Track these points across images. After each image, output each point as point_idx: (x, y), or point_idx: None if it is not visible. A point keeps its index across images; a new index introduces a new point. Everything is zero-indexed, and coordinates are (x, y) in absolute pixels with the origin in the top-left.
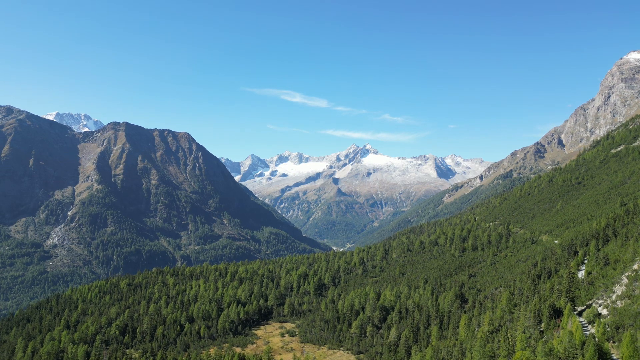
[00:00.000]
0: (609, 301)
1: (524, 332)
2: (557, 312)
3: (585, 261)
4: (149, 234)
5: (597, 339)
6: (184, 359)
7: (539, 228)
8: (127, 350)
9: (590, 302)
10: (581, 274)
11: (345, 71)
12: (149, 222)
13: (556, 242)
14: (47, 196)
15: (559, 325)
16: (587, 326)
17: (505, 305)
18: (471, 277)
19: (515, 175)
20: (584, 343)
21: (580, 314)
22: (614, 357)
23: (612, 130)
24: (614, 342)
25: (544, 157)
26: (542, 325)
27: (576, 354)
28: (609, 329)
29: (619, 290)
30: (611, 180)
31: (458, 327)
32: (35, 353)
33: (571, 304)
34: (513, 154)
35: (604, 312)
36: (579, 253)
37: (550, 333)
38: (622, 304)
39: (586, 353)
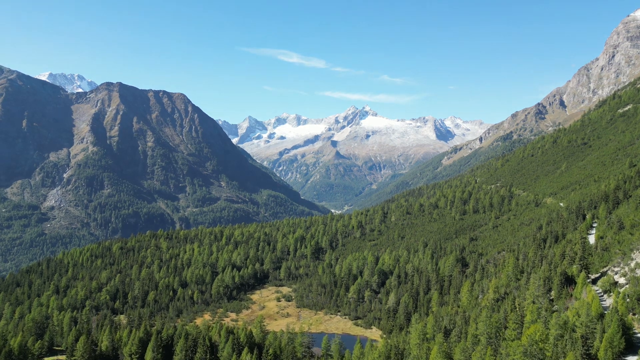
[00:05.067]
0: (627, 269)
1: (533, 302)
2: (568, 280)
3: (595, 225)
4: (146, 196)
5: (619, 312)
6: (171, 328)
7: (543, 190)
8: (116, 317)
9: (605, 269)
10: (591, 238)
11: (343, 28)
12: (146, 185)
13: (562, 204)
14: (42, 158)
15: (571, 295)
16: (602, 296)
17: (511, 272)
18: (472, 241)
19: (515, 137)
20: (602, 315)
21: (594, 282)
22: (636, 332)
23: (618, 90)
24: (634, 314)
25: (545, 118)
26: (552, 293)
27: (595, 328)
28: (628, 300)
29: (638, 257)
30: (619, 141)
31: (459, 293)
32: (22, 319)
33: (585, 272)
34: (514, 116)
35: (622, 280)
36: (587, 216)
37: (561, 303)
38: None
39: (608, 328)
